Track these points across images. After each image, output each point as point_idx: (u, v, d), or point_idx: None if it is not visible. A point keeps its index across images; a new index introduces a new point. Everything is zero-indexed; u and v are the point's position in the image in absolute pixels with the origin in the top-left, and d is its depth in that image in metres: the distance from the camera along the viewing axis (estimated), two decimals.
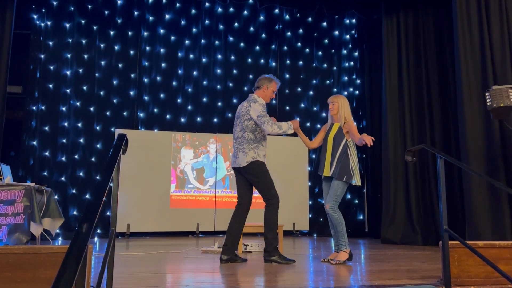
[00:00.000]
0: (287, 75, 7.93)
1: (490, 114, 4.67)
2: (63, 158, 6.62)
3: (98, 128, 6.86)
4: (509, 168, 4.82)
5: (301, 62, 8.03)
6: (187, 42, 7.48)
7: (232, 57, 7.68)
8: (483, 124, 4.94)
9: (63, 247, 2.27)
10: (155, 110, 7.18)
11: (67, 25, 6.92)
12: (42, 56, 6.74)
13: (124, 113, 7.03)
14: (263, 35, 7.87)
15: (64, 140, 6.67)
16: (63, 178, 6.57)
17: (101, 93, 6.95)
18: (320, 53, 8.14)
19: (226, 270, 3.42)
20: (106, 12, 7.11)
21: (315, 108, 7.98)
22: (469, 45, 5.14)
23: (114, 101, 7.00)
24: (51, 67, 6.76)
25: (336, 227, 3.90)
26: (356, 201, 7.83)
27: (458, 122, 5.23)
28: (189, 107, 7.35)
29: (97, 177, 6.73)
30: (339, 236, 3.91)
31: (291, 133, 4.15)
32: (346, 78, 8.16)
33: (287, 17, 8.01)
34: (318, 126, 7.95)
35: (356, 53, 8.25)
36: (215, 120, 7.46)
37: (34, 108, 6.60)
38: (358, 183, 3.95)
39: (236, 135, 3.99)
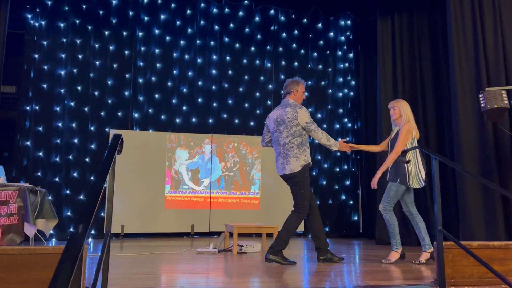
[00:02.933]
0: (282, 76, 7.93)
1: (484, 116, 4.71)
2: (57, 159, 6.58)
3: (92, 128, 6.82)
4: (503, 169, 4.86)
5: (296, 63, 8.04)
6: (182, 42, 7.46)
7: (228, 57, 7.68)
8: (477, 126, 4.98)
9: (58, 248, 2.25)
10: (150, 110, 7.16)
11: (62, 25, 6.88)
12: (36, 56, 6.70)
13: (119, 114, 7.00)
14: (259, 36, 7.88)
15: (58, 141, 6.63)
16: (57, 179, 6.53)
17: (96, 93, 6.92)
18: (315, 54, 8.16)
19: (221, 271, 3.42)
20: (101, 12, 7.08)
21: (310, 109, 7.99)
22: (463, 47, 5.17)
23: (109, 101, 6.97)
24: (45, 67, 6.72)
25: (388, 228, 4.03)
26: (351, 202, 7.85)
27: (452, 123, 5.26)
28: (184, 108, 7.34)
29: (92, 178, 6.70)
30: (390, 237, 4.03)
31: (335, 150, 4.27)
32: (341, 79, 8.18)
33: (283, 18, 8.01)
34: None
35: (351, 55, 8.28)
36: (210, 120, 7.45)
37: (28, 108, 6.55)
38: (415, 186, 4.01)
39: (282, 142, 3.97)
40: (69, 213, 6.49)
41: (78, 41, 6.94)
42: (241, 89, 7.67)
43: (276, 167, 4.08)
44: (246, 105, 7.59)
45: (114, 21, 7.14)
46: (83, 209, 1.33)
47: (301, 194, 3.92)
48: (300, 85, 4.15)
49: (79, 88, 6.84)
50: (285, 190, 7.32)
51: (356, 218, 7.82)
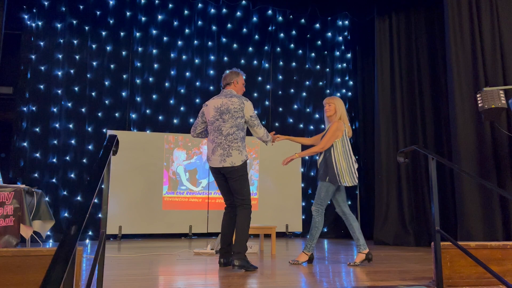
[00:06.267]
0: (280, 77, 7.93)
1: (481, 116, 4.70)
2: (54, 160, 6.56)
3: (89, 129, 6.80)
4: (500, 169, 4.85)
5: (294, 64, 8.04)
6: (179, 43, 7.45)
7: (225, 58, 7.67)
8: (474, 126, 4.97)
9: (53, 249, 2.24)
10: (148, 111, 7.14)
11: (59, 25, 6.86)
12: (33, 56, 6.67)
13: (116, 114, 6.99)
14: (256, 36, 7.87)
15: (55, 142, 6.60)
16: (54, 180, 6.50)
17: (93, 94, 6.90)
18: (313, 54, 8.16)
19: (219, 272, 3.40)
20: (98, 13, 7.07)
21: (308, 110, 7.99)
22: (461, 46, 5.17)
23: (106, 102, 6.95)
24: (42, 68, 6.70)
25: (311, 230, 3.92)
26: (349, 202, 7.84)
27: (450, 123, 5.26)
28: (182, 108, 7.33)
29: (88, 179, 6.67)
30: (308, 238, 3.93)
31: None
32: (339, 79, 8.18)
33: (280, 18, 8.01)
34: (311, 127, 7.95)
35: (349, 55, 8.27)
36: None
37: (25, 109, 6.53)
38: (348, 184, 3.93)
39: (226, 132, 3.68)
40: (66, 214, 6.46)
41: (75, 41, 6.92)
42: None
43: (211, 158, 3.73)
44: None
45: (111, 21, 7.12)
46: (76, 210, 1.32)
47: (246, 189, 3.68)
48: (240, 76, 3.97)
49: (76, 88, 6.82)
50: (283, 191, 7.32)
51: None
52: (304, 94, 8.00)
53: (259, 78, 7.80)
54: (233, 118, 3.70)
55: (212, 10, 7.65)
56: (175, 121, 7.26)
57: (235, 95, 3.80)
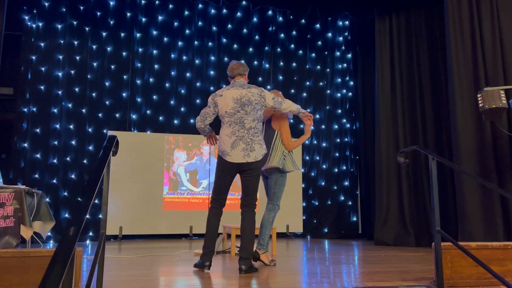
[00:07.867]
0: (281, 77, 7.92)
1: (482, 116, 4.69)
2: (55, 160, 6.56)
3: (90, 130, 6.80)
4: (501, 169, 4.84)
5: (294, 64, 8.03)
6: (180, 43, 7.45)
7: (226, 58, 7.67)
8: (475, 126, 4.96)
9: (52, 250, 2.23)
10: (148, 111, 7.14)
11: (59, 26, 6.86)
12: (34, 57, 6.67)
13: (117, 115, 6.98)
14: (257, 37, 7.87)
15: (56, 142, 6.60)
16: (54, 181, 6.50)
17: (93, 94, 6.90)
18: (313, 55, 8.15)
19: (219, 273, 3.40)
20: (98, 13, 7.07)
21: (308, 110, 7.97)
22: (461, 46, 5.16)
23: (106, 102, 6.95)
24: (43, 69, 6.70)
25: (271, 226, 3.90)
26: (350, 203, 7.83)
27: (450, 124, 5.25)
28: (182, 109, 7.32)
29: (87, 179, 6.67)
30: (268, 236, 3.90)
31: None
32: (339, 80, 8.18)
33: (280, 18, 8.01)
34: (312, 127, 7.93)
35: (349, 55, 8.27)
36: None
37: (25, 109, 6.53)
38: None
39: (248, 125, 3.47)
40: (66, 215, 6.46)
41: (75, 42, 6.92)
42: None
43: (230, 153, 3.45)
44: None
45: (111, 22, 7.12)
46: (75, 211, 1.32)
47: (257, 188, 3.53)
48: (247, 71, 3.89)
49: (76, 89, 6.82)
50: (284, 191, 7.30)
51: (355, 219, 7.81)
52: (304, 94, 7.99)
53: (260, 78, 7.79)
54: (255, 110, 3.52)
55: (213, 11, 7.65)
56: (175, 121, 7.26)
57: (253, 86, 3.64)
